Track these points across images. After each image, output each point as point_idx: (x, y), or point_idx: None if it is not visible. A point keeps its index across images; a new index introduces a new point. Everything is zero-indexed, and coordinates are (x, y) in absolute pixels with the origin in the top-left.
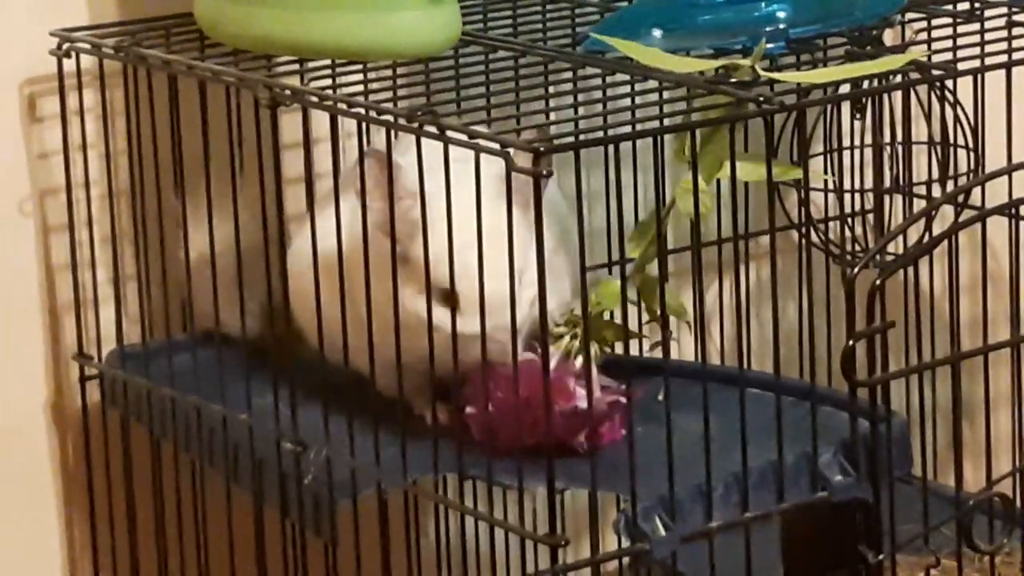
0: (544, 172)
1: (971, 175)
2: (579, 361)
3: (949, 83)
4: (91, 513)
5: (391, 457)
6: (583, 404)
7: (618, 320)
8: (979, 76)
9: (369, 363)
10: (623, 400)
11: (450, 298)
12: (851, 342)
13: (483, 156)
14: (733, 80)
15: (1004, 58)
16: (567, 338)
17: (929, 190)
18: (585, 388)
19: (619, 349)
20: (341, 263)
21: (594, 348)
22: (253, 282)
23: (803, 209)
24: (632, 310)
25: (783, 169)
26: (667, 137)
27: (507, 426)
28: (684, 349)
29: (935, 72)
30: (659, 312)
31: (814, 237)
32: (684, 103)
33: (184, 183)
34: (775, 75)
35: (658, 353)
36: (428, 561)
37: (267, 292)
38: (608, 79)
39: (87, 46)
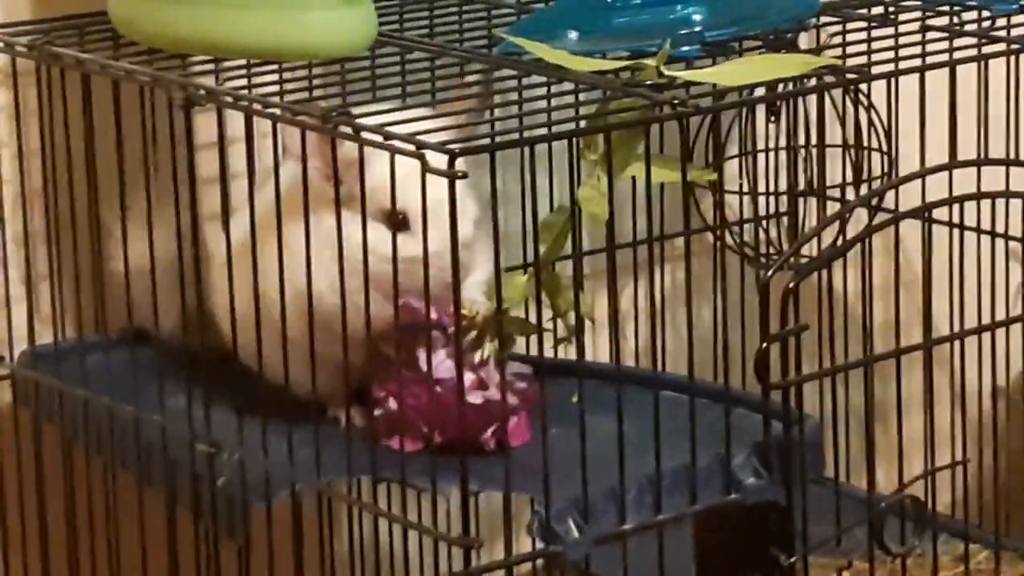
0: (459, 174)
1: (885, 178)
2: (479, 356)
3: (863, 86)
4: (2, 514)
5: (305, 459)
6: (472, 399)
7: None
8: (893, 80)
9: (283, 361)
10: (515, 400)
11: (396, 218)
12: (765, 344)
13: None
14: (649, 83)
15: (918, 62)
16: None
17: (843, 193)
18: (488, 383)
19: (531, 349)
20: (255, 257)
21: (492, 345)
22: (169, 281)
23: (718, 211)
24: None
25: (698, 172)
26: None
27: (415, 422)
28: (599, 351)
29: (849, 75)
30: (566, 312)
31: (728, 239)
32: (598, 106)
33: (98, 183)
34: (677, 74)
35: (571, 353)
36: (341, 563)
37: (182, 292)
38: (524, 81)
39: None
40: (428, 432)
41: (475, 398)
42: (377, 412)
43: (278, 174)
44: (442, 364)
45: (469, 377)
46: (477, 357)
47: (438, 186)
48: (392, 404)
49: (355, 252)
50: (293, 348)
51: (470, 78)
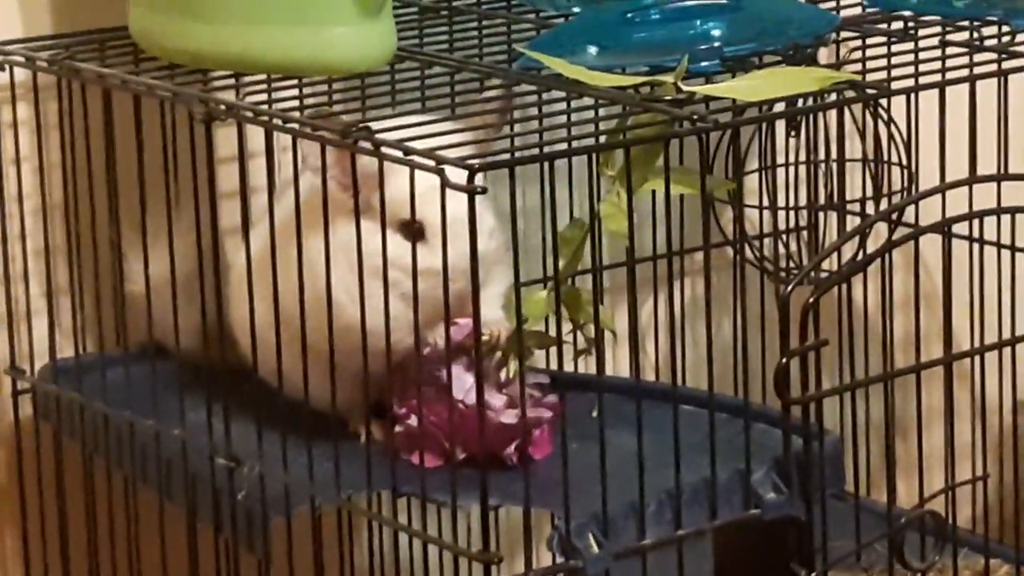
0: (479, 189)
1: (905, 193)
2: (503, 374)
3: (883, 101)
4: (23, 529)
5: (325, 473)
6: (505, 419)
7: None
8: (913, 95)
9: (303, 375)
10: (547, 414)
11: (413, 228)
12: (784, 359)
13: None
14: (669, 98)
15: (938, 77)
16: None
17: (863, 207)
18: (509, 400)
19: (551, 363)
20: (275, 268)
21: (515, 364)
22: (190, 297)
23: (738, 226)
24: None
25: (717, 184)
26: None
27: (437, 438)
28: (618, 365)
29: (869, 91)
30: (585, 324)
31: (748, 254)
32: (617, 121)
33: (118, 197)
34: (695, 89)
35: (591, 367)
36: None
37: (202, 307)
38: (544, 96)
39: (21, 59)
40: (450, 449)
41: (508, 418)
42: (398, 429)
43: (298, 188)
44: (471, 389)
45: (501, 399)
46: (503, 375)
47: (455, 200)
48: (413, 421)
49: (373, 263)
50: (312, 361)
51: (491, 93)
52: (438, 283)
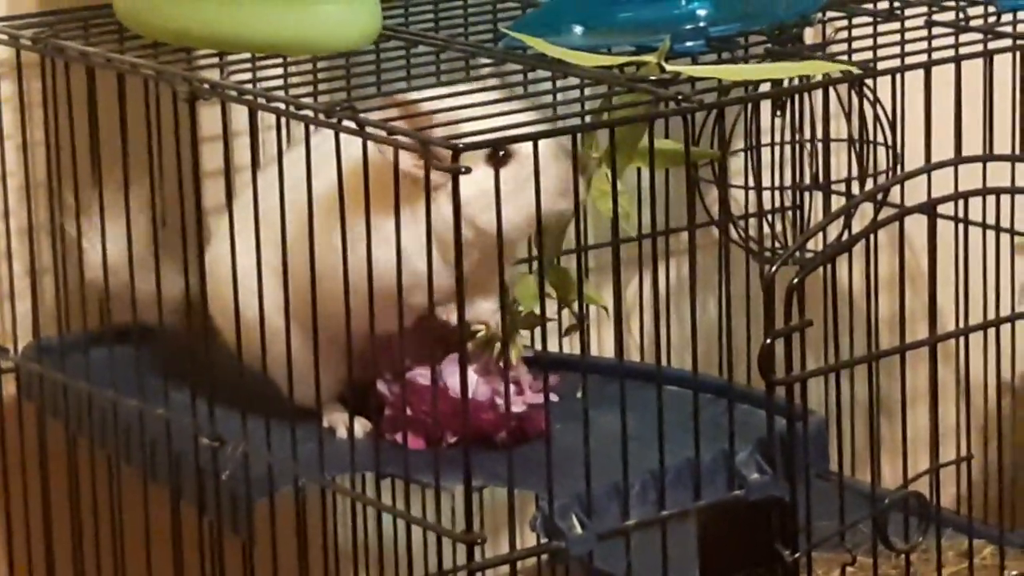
0: (462, 169)
1: (890, 173)
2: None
3: (869, 81)
4: (6, 507)
5: (309, 454)
6: (519, 408)
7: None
8: (898, 75)
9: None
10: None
11: (498, 156)
12: (769, 340)
13: None
14: (653, 78)
15: (923, 57)
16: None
17: (848, 188)
18: (523, 387)
19: (536, 342)
20: (259, 253)
21: (517, 348)
22: (171, 274)
23: (723, 206)
24: (550, 303)
25: (703, 152)
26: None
27: (426, 424)
28: (603, 345)
29: (855, 70)
30: (577, 307)
31: (733, 234)
32: (601, 100)
33: (102, 175)
34: (678, 69)
35: (575, 347)
36: (344, 558)
37: (184, 287)
38: (530, 75)
39: (4, 37)
40: (440, 434)
41: (517, 407)
42: (387, 412)
43: (282, 166)
44: (477, 387)
45: (510, 389)
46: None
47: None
48: (406, 410)
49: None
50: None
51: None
52: (520, 209)
